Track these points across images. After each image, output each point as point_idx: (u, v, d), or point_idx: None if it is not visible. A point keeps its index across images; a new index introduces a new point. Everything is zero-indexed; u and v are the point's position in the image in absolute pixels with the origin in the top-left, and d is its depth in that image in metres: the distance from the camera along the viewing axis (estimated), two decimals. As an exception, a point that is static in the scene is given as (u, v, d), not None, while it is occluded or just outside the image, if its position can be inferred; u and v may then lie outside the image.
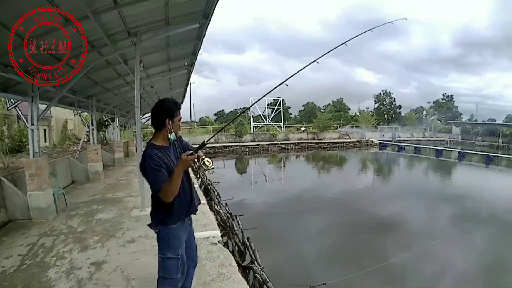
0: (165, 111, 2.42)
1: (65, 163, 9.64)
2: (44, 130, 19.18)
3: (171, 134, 2.44)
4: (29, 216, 5.80)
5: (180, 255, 2.51)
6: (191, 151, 2.35)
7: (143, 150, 2.40)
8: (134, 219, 5.96)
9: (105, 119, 15.67)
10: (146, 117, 18.32)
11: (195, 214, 2.67)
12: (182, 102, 21.47)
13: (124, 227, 5.49)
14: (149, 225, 2.54)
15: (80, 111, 11.04)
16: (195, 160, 2.34)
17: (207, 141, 2.60)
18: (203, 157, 2.41)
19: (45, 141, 18.67)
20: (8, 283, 3.53)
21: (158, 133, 2.45)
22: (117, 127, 15.47)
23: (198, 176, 12.82)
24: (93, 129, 10.49)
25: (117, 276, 3.71)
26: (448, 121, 50.59)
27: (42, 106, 6.83)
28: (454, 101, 58.47)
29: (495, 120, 48.74)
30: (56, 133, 21.44)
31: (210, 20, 6.34)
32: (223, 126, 37.69)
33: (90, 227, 5.51)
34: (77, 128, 24.61)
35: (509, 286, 5.61)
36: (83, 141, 12.76)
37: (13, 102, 6.32)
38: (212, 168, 2.42)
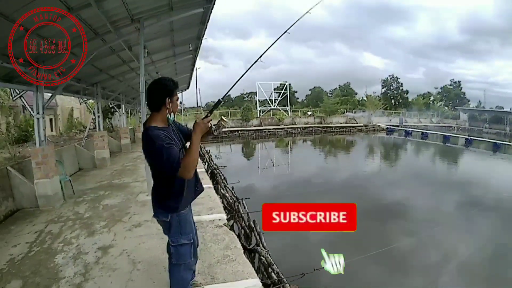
0: (165, 90, 2.26)
1: (71, 150, 9.71)
2: (50, 119, 19.41)
3: (170, 115, 2.30)
4: (36, 204, 5.86)
5: (192, 239, 2.48)
6: (206, 114, 2.29)
7: (145, 134, 2.20)
8: (141, 203, 6.02)
9: (111, 106, 15.69)
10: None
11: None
12: (188, 87, 21.53)
13: (130, 212, 5.55)
14: (156, 216, 2.40)
15: (85, 99, 11.12)
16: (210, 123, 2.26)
17: (222, 98, 2.65)
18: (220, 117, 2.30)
19: (52, 130, 18.92)
20: (16, 270, 3.58)
21: (156, 114, 2.26)
22: (123, 113, 15.47)
23: (205, 160, 12.89)
24: (99, 116, 10.52)
25: (123, 259, 3.76)
26: (456, 107, 49.66)
27: (47, 95, 6.84)
28: (461, 87, 57.31)
29: (503, 108, 47.43)
30: (62, 121, 21.65)
31: (213, 4, 6.24)
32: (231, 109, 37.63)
33: (97, 213, 5.58)
34: (83, 116, 24.79)
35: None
36: (89, 129, 12.84)
37: (18, 92, 6.31)
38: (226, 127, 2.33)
